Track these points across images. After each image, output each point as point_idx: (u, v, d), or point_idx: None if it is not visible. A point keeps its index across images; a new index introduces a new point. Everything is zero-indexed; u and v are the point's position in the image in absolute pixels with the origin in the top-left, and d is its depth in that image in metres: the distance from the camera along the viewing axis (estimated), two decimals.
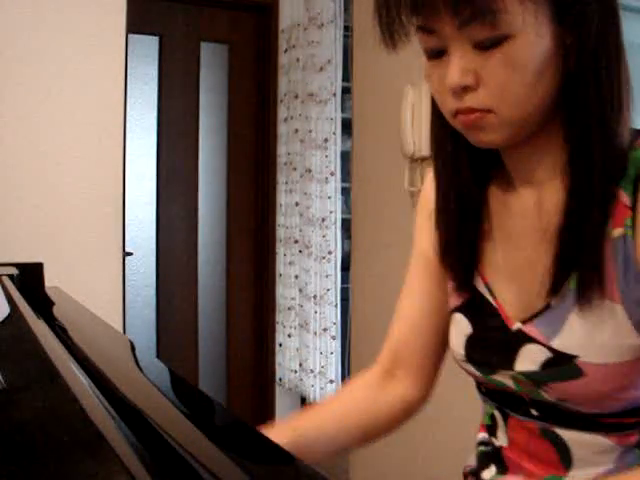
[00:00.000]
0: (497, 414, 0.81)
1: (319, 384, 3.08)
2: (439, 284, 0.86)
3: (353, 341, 2.85)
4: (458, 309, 0.81)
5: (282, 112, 3.31)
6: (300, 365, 3.19)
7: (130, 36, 2.61)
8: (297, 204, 3.20)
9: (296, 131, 3.19)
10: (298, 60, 3.16)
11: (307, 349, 3.13)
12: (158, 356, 3.19)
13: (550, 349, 0.71)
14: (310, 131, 3.08)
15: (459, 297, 0.82)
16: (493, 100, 0.65)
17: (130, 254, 3.08)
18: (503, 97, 0.65)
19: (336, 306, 3.03)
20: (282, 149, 3.31)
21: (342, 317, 3.05)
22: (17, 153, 2.32)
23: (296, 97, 3.20)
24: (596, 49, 0.66)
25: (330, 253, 3.03)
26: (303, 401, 3.34)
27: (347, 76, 2.92)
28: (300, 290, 3.19)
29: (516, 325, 0.75)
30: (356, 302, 2.81)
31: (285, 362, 3.30)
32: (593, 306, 0.68)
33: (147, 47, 3.19)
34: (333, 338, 3.05)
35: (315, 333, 3.09)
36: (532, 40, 0.63)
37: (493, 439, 0.82)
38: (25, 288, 1.10)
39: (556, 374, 0.70)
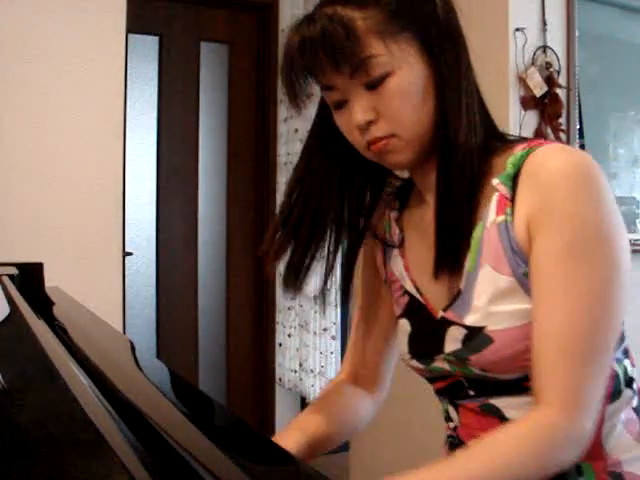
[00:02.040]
0: (450, 408, 0.91)
1: (319, 384, 3.08)
2: (383, 300, 1.02)
3: None
4: (401, 315, 0.94)
5: (282, 112, 3.31)
6: (300, 365, 3.19)
7: (130, 36, 2.61)
8: None
9: (296, 131, 3.19)
10: None
11: (307, 349, 3.13)
12: (158, 356, 3.19)
13: (465, 327, 0.83)
14: None
15: (400, 305, 0.95)
16: (393, 126, 0.81)
17: (130, 254, 3.08)
18: (399, 121, 0.81)
19: (336, 306, 3.03)
20: (282, 149, 3.31)
21: (342, 317, 3.05)
22: (17, 153, 2.32)
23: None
24: (447, 76, 0.81)
25: None
26: (303, 401, 3.34)
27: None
28: None
29: (440, 314, 0.87)
30: (356, 302, 2.80)
31: (285, 362, 3.30)
32: (488, 281, 0.80)
33: (147, 47, 3.19)
34: (333, 338, 3.05)
35: (315, 333, 3.09)
36: (407, 72, 0.80)
37: (451, 424, 0.93)
38: (25, 288, 1.10)
39: (473, 346, 0.81)
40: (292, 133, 3.22)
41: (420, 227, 0.92)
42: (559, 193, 0.76)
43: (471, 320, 0.82)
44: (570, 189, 0.76)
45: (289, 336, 3.28)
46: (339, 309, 3.04)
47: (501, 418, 0.84)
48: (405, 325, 0.93)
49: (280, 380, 3.35)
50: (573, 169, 0.77)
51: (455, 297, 0.84)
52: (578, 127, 2.41)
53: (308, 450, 0.89)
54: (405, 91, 0.80)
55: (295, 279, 0.98)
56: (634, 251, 2.91)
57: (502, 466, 0.72)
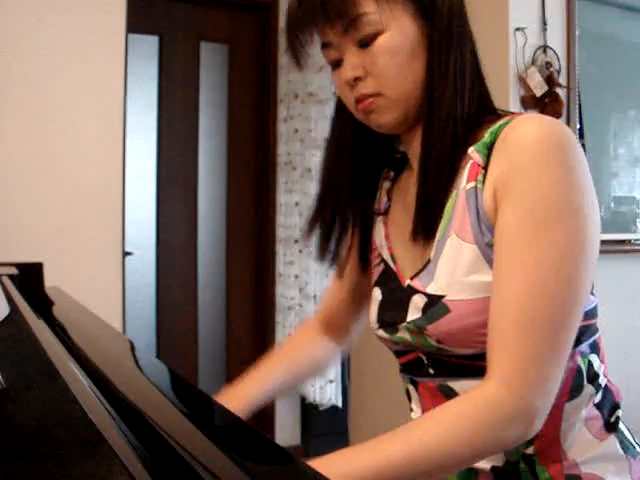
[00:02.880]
0: (410, 387, 0.91)
1: (319, 384, 3.08)
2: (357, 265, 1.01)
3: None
4: (375, 284, 0.94)
5: (282, 112, 3.32)
6: None
7: (130, 36, 2.61)
8: (297, 204, 3.21)
9: (296, 131, 3.19)
10: None
11: None
12: (158, 356, 3.19)
13: (426, 295, 0.82)
14: (310, 131, 3.08)
15: (376, 273, 0.95)
16: (379, 84, 0.82)
17: (130, 254, 3.08)
18: (386, 80, 0.82)
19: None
20: (282, 149, 3.31)
21: None
22: (17, 153, 2.32)
23: (296, 97, 3.20)
24: (439, 41, 0.82)
25: None
26: (303, 401, 3.34)
27: None
28: (300, 290, 3.19)
29: (407, 282, 0.86)
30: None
31: None
32: (453, 250, 0.79)
33: (147, 47, 3.19)
34: None
35: None
36: (397, 31, 0.81)
37: (412, 414, 0.92)
38: (25, 288, 1.10)
39: (431, 315, 0.80)
40: (292, 133, 3.22)
41: (405, 196, 0.92)
42: (525, 158, 0.74)
43: (432, 288, 0.81)
44: (536, 154, 0.74)
45: (289, 336, 3.28)
46: None
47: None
48: (377, 293, 0.92)
49: None
50: (543, 135, 0.74)
51: (424, 266, 0.84)
52: (578, 127, 2.41)
53: (262, 399, 0.97)
54: (393, 50, 0.81)
55: (325, 250, 0.96)
56: (634, 251, 2.91)
57: (431, 447, 0.69)
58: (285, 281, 3.29)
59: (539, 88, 2.21)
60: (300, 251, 3.19)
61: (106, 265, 2.46)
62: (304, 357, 1.09)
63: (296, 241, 3.21)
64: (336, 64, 0.86)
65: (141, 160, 3.17)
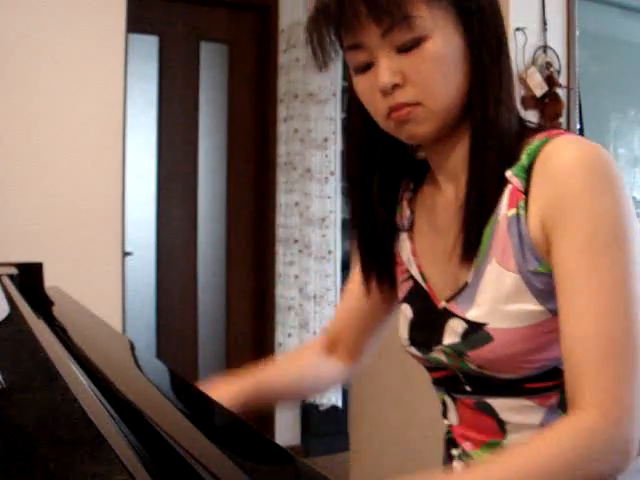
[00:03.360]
0: (447, 399, 0.89)
1: None
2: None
3: None
4: (404, 299, 0.92)
5: (282, 112, 3.31)
6: None
7: (130, 36, 2.61)
8: (297, 204, 3.20)
9: (296, 131, 3.19)
10: (298, 60, 3.16)
11: None
12: (158, 356, 3.19)
13: (466, 321, 0.80)
14: (310, 131, 3.08)
15: (403, 290, 0.93)
16: (419, 93, 0.77)
17: (130, 254, 3.08)
18: (427, 89, 0.77)
19: (336, 306, 3.03)
20: (282, 149, 3.31)
21: None
22: (17, 153, 2.32)
23: (296, 97, 3.20)
24: (486, 53, 0.79)
25: (330, 253, 3.03)
26: (303, 401, 3.34)
27: (347, 76, 2.92)
28: (300, 290, 3.19)
29: (442, 304, 0.85)
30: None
31: None
32: (494, 277, 0.78)
33: (147, 47, 3.19)
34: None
35: (315, 333, 3.09)
36: (442, 39, 0.76)
37: (446, 421, 0.91)
38: (25, 288, 1.10)
39: (472, 342, 0.79)
40: (292, 133, 3.22)
41: (431, 212, 0.89)
42: (574, 187, 0.73)
43: (473, 315, 0.80)
44: (585, 183, 0.73)
45: (289, 336, 3.28)
46: None
47: (496, 419, 0.82)
48: (407, 310, 0.91)
49: None
50: (588, 162, 0.74)
51: (461, 289, 0.82)
52: (578, 127, 2.41)
53: (255, 396, 0.94)
54: (438, 57, 0.76)
55: (369, 268, 0.94)
56: None
57: (535, 475, 0.68)
58: (285, 281, 3.29)
59: (539, 88, 2.20)
60: (300, 251, 3.19)
61: (106, 265, 2.46)
62: (299, 368, 1.05)
63: (296, 241, 3.21)
64: (363, 68, 0.80)
65: (141, 160, 3.17)
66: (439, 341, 0.83)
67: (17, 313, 0.85)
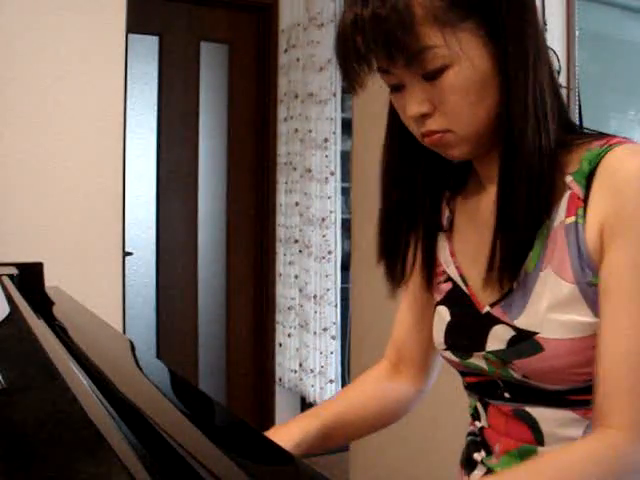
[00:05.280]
0: (479, 405, 0.87)
1: (319, 384, 3.08)
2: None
3: (353, 341, 2.85)
4: (441, 302, 0.89)
5: (282, 112, 3.31)
6: (300, 365, 3.19)
7: (130, 36, 2.61)
8: (297, 204, 3.20)
9: (296, 131, 3.19)
10: (298, 60, 3.16)
11: (307, 349, 3.13)
12: (158, 356, 3.19)
13: (514, 328, 0.78)
14: (310, 131, 3.08)
15: (441, 291, 0.90)
16: (448, 121, 0.76)
17: (130, 254, 3.08)
18: (456, 118, 0.75)
19: (336, 306, 3.03)
20: (282, 149, 3.31)
21: (342, 317, 3.05)
22: (17, 153, 2.32)
23: (296, 97, 3.20)
24: (515, 69, 0.75)
25: (330, 253, 3.03)
26: (303, 401, 3.34)
27: None
28: (300, 290, 3.19)
29: (486, 308, 0.82)
30: (356, 302, 2.81)
31: (285, 362, 3.30)
32: (549, 285, 0.75)
33: (147, 47, 3.19)
34: (333, 338, 3.05)
35: (315, 333, 3.09)
36: (466, 66, 0.73)
37: (477, 422, 0.88)
38: (25, 288, 1.10)
39: (519, 351, 0.77)
40: (292, 133, 3.22)
41: (474, 214, 0.87)
42: (636, 200, 0.70)
43: (523, 323, 0.77)
44: None
45: (289, 336, 3.28)
46: (339, 309, 3.04)
47: (533, 428, 0.79)
48: (444, 313, 0.88)
49: (280, 380, 3.35)
50: None
51: (506, 294, 0.79)
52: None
53: (321, 438, 0.87)
54: (463, 86, 0.74)
55: (393, 271, 0.90)
56: None
57: None
58: (285, 281, 3.29)
59: None
60: (300, 251, 3.19)
61: (106, 265, 2.46)
62: (363, 401, 0.97)
63: (296, 241, 3.21)
64: (396, 88, 0.78)
65: (141, 160, 3.17)
66: (481, 347, 0.81)
67: (17, 313, 0.85)
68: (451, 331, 0.86)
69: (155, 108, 3.22)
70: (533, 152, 0.74)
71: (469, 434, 0.91)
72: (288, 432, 0.88)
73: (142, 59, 3.17)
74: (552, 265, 0.75)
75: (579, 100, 2.40)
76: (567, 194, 0.75)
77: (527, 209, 0.75)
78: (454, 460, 0.95)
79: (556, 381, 0.76)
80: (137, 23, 2.91)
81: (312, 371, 3.10)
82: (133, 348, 0.79)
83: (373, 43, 0.72)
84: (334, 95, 2.96)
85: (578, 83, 2.37)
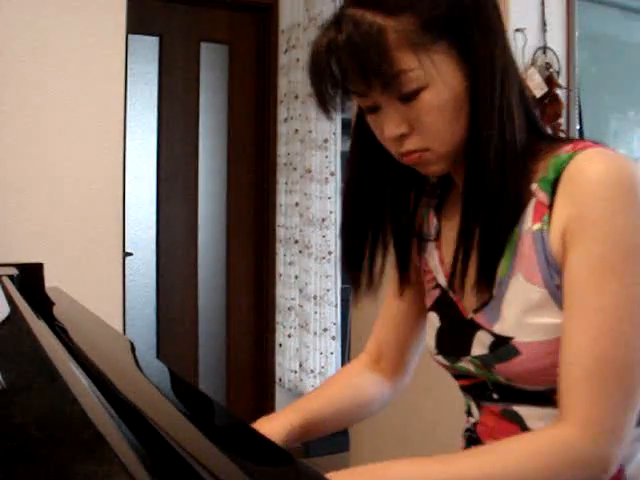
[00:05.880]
0: (473, 405, 0.90)
1: (319, 384, 3.08)
2: (416, 288, 0.98)
3: (353, 341, 2.85)
4: (431, 308, 0.92)
5: (282, 112, 3.31)
6: (300, 365, 3.19)
7: (130, 36, 2.61)
8: (297, 204, 3.20)
9: (296, 131, 3.19)
10: (298, 60, 3.16)
11: (307, 349, 3.13)
12: (158, 356, 3.19)
13: (492, 334, 0.80)
14: (310, 131, 3.08)
15: (431, 297, 0.93)
16: (426, 141, 0.77)
17: (130, 254, 3.08)
18: (433, 137, 0.77)
19: (336, 306, 3.03)
20: (282, 149, 3.31)
21: (342, 317, 3.05)
22: (17, 153, 2.32)
23: (296, 97, 3.20)
24: (485, 76, 0.76)
25: (330, 253, 3.03)
26: None
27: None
28: (300, 290, 3.19)
29: (469, 315, 0.85)
30: (356, 303, 2.80)
31: (285, 362, 3.30)
32: (520, 291, 0.77)
33: (147, 47, 3.19)
34: (333, 338, 3.05)
35: (315, 333, 3.09)
36: (443, 84, 0.75)
37: (470, 419, 0.91)
38: (25, 288, 1.10)
39: (499, 355, 0.79)
40: (292, 133, 3.22)
41: (457, 223, 0.87)
42: (596, 203, 0.72)
43: (499, 329, 0.79)
44: (608, 199, 0.71)
45: (289, 336, 3.28)
46: (339, 309, 3.04)
47: (522, 426, 0.81)
48: (434, 319, 0.91)
49: (280, 380, 3.35)
50: (614, 179, 0.72)
51: (486, 302, 0.81)
52: (578, 127, 2.41)
53: (300, 430, 0.89)
54: (439, 106, 0.75)
55: (358, 279, 0.92)
56: None
57: (501, 473, 0.69)
58: (285, 281, 3.29)
59: (539, 89, 2.20)
60: (300, 251, 3.19)
61: (106, 265, 2.46)
62: (347, 389, 1.00)
63: (296, 241, 3.21)
64: (371, 109, 0.79)
65: (141, 160, 3.17)
66: (467, 352, 0.84)
67: (17, 313, 0.85)
68: (441, 337, 0.89)
69: (155, 108, 3.22)
70: (496, 165, 0.76)
71: (466, 430, 0.93)
72: (272, 429, 0.88)
73: (142, 59, 3.17)
74: (522, 271, 0.77)
75: (579, 100, 2.40)
76: (533, 201, 0.77)
77: (492, 218, 0.77)
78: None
79: (537, 382, 0.78)
80: (137, 23, 2.91)
81: (312, 371, 3.10)
82: (133, 348, 0.79)
83: (348, 68, 0.73)
84: None
85: (578, 84, 2.37)
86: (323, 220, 3.04)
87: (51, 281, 1.20)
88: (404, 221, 0.91)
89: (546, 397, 0.78)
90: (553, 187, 0.75)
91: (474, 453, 0.77)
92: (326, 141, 3.01)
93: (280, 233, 3.33)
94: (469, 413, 0.92)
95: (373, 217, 0.89)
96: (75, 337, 0.83)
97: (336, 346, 3.05)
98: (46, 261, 1.20)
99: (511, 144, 0.77)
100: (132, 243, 3.12)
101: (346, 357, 3.04)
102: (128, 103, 2.56)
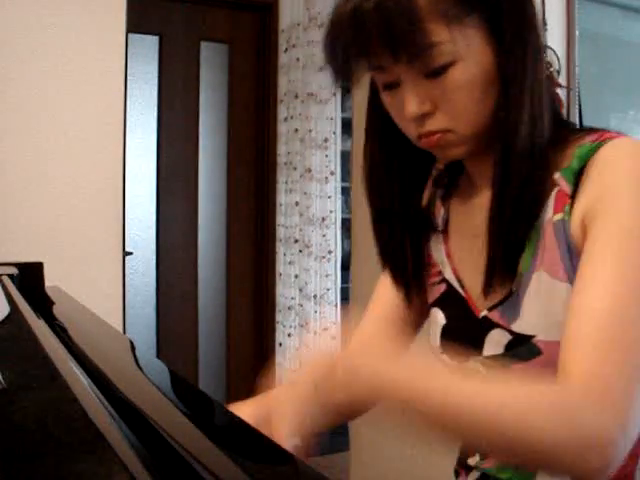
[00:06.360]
0: None
1: None
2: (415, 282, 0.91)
3: None
4: (435, 303, 0.87)
5: (282, 112, 3.31)
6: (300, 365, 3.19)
7: (130, 36, 2.61)
8: (297, 204, 3.20)
9: (296, 131, 3.19)
10: (298, 60, 3.16)
11: (307, 349, 3.13)
12: (158, 356, 3.19)
13: (511, 332, 0.75)
14: (310, 131, 3.08)
15: (435, 292, 0.87)
16: (450, 121, 0.72)
17: (130, 254, 3.08)
18: (458, 117, 0.72)
19: (336, 305, 3.03)
20: (282, 149, 3.31)
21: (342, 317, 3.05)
22: (17, 153, 2.32)
23: (296, 97, 3.20)
24: (517, 56, 0.72)
25: (330, 253, 3.03)
26: None
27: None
28: (300, 290, 3.19)
29: (483, 312, 0.79)
30: (356, 302, 2.81)
31: (285, 362, 3.30)
32: (543, 287, 0.72)
33: (147, 47, 3.19)
34: (333, 338, 3.05)
35: (315, 333, 3.09)
36: (473, 61, 0.70)
37: None
38: (25, 288, 1.10)
39: (518, 355, 0.74)
40: (292, 133, 3.22)
41: (469, 215, 0.84)
42: (621, 185, 0.68)
43: (519, 327, 0.74)
44: (632, 179, 0.68)
45: (289, 336, 3.28)
46: (339, 309, 3.04)
47: None
48: (438, 316, 0.85)
49: (280, 380, 3.35)
50: (637, 161, 0.69)
51: (504, 298, 0.76)
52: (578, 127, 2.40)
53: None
54: (468, 83, 0.71)
55: (402, 275, 0.87)
56: None
57: (481, 403, 0.61)
58: (285, 281, 3.29)
59: None
60: (300, 251, 3.19)
61: (106, 265, 2.46)
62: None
63: (296, 241, 3.21)
64: (389, 86, 0.74)
65: (141, 160, 3.17)
66: (479, 352, 0.79)
67: (17, 313, 0.85)
68: (447, 335, 0.84)
69: (155, 108, 3.21)
70: (526, 151, 0.72)
71: None
72: (242, 410, 0.79)
73: (142, 59, 3.17)
74: (544, 265, 0.73)
75: (579, 100, 2.40)
76: (555, 191, 0.73)
77: (517, 209, 0.73)
78: (454, 460, 0.95)
79: None
80: (137, 23, 2.91)
81: None
82: (133, 348, 0.79)
83: (375, 38, 0.68)
84: (334, 95, 2.96)
85: (578, 83, 2.36)
86: (323, 219, 3.04)
87: (51, 281, 1.20)
88: (419, 211, 0.86)
89: None
90: (576, 177, 0.72)
91: (470, 381, 0.68)
92: (326, 140, 3.01)
93: (280, 232, 3.33)
94: None
95: (398, 210, 0.84)
96: (75, 336, 0.83)
97: (336, 346, 3.05)
98: (46, 261, 1.20)
99: (540, 129, 0.73)
100: (132, 242, 3.12)
101: None
102: (128, 103, 2.56)
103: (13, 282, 1.10)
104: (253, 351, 3.44)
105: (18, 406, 0.50)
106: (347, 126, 2.95)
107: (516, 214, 0.73)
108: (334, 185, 3.01)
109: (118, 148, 2.47)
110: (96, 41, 2.42)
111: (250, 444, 0.48)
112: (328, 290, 3.03)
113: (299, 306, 3.20)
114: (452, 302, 0.84)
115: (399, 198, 0.84)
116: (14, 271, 1.15)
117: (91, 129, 2.42)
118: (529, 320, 0.74)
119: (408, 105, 0.72)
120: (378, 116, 0.81)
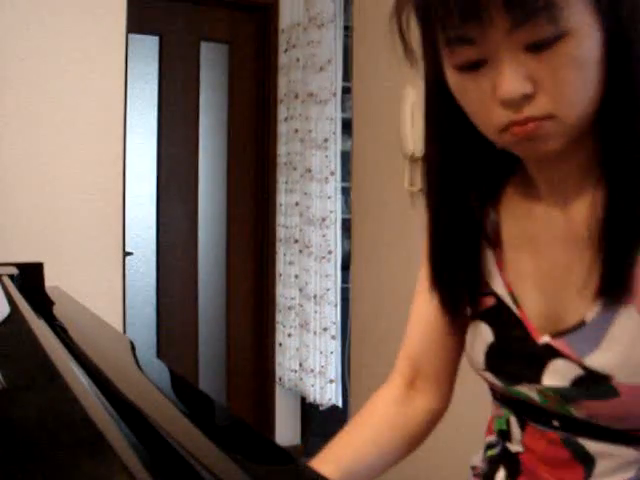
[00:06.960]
0: (513, 420, 0.77)
1: (319, 384, 3.08)
2: None
3: (353, 341, 2.85)
4: (480, 316, 0.78)
5: (282, 112, 3.31)
6: (300, 365, 3.19)
7: (130, 36, 2.61)
8: (297, 204, 3.20)
9: (296, 131, 3.19)
10: (298, 60, 3.16)
11: (307, 349, 3.13)
12: (158, 356, 3.19)
13: (582, 366, 0.66)
14: (310, 131, 3.08)
15: (482, 303, 0.78)
16: (554, 104, 0.60)
17: (130, 254, 3.08)
18: (564, 99, 0.60)
19: (336, 306, 3.03)
20: (282, 149, 3.31)
21: (342, 317, 3.05)
22: (17, 153, 2.32)
23: (296, 97, 3.20)
24: (631, 32, 0.61)
25: (330, 253, 3.03)
26: (303, 401, 3.34)
27: (347, 76, 2.93)
28: (300, 290, 3.19)
29: (544, 338, 0.71)
30: (356, 302, 2.81)
31: (285, 362, 3.30)
32: (633, 324, 0.63)
33: (147, 47, 3.19)
34: (333, 338, 3.05)
35: (315, 333, 3.09)
36: (584, 36, 0.59)
37: (508, 444, 0.78)
38: (25, 288, 1.10)
39: (588, 392, 0.66)
40: (292, 133, 3.22)
41: (530, 225, 0.74)
42: None
43: (596, 362, 0.65)
44: None
45: (289, 336, 3.28)
46: (339, 309, 3.04)
47: (583, 460, 0.68)
48: (485, 332, 0.76)
49: (280, 380, 3.35)
50: None
51: (576, 326, 0.67)
52: None
53: None
54: (579, 60, 0.59)
55: (454, 297, 0.78)
56: None
57: None
58: (285, 281, 3.29)
59: None
60: (300, 251, 3.19)
61: (106, 265, 2.46)
62: (382, 431, 0.84)
63: (296, 241, 3.21)
64: (472, 66, 0.62)
65: (141, 160, 3.17)
66: (537, 380, 0.70)
67: (17, 313, 0.85)
68: (494, 354, 0.75)
69: (155, 108, 3.22)
70: (636, 137, 0.62)
71: (489, 446, 0.82)
72: None
73: (142, 59, 3.17)
74: (637, 299, 0.63)
75: None
76: None
77: (631, 209, 0.62)
78: (459, 462, 0.95)
79: (629, 423, 0.66)
80: (137, 23, 2.91)
81: (312, 371, 3.10)
82: (133, 348, 0.79)
83: None
84: (334, 95, 2.96)
85: None
86: (323, 219, 3.04)
87: (51, 281, 1.20)
88: (476, 219, 0.76)
89: (626, 435, 0.67)
90: None
91: None
92: (326, 140, 3.01)
93: (280, 232, 3.33)
94: (505, 432, 0.78)
95: (461, 221, 0.75)
96: (75, 337, 0.83)
97: (336, 345, 3.05)
98: (46, 261, 1.20)
99: None
100: (132, 242, 3.12)
101: (346, 357, 3.04)
102: (128, 103, 2.56)
103: (13, 282, 1.10)
104: (253, 351, 3.44)
105: (18, 406, 0.50)
106: (347, 126, 2.95)
107: (631, 215, 0.63)
108: (334, 185, 3.01)
109: (118, 148, 2.47)
110: (96, 41, 2.42)
111: (250, 444, 0.48)
112: (328, 290, 3.03)
113: (299, 306, 3.20)
114: (504, 320, 0.75)
115: (471, 211, 0.75)
116: (14, 271, 1.15)
117: (91, 129, 2.42)
118: (609, 358, 0.65)
119: (506, 84, 0.59)
120: (443, 112, 0.71)
